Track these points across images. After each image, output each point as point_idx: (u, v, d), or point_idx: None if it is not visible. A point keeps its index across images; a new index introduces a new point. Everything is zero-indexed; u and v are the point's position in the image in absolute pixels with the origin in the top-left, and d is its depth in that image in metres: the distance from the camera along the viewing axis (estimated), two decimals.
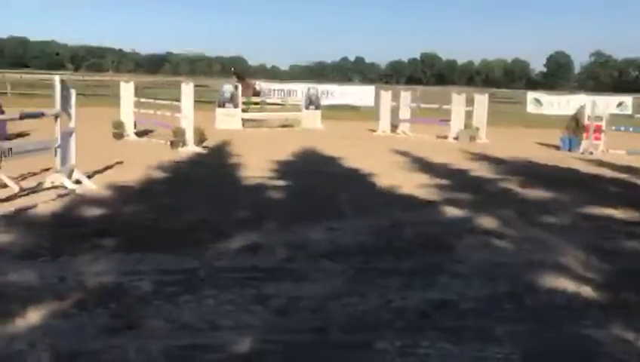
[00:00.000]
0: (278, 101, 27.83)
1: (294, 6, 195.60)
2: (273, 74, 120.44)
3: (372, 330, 3.97)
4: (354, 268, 5.26)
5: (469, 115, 18.83)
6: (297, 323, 4.07)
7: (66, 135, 8.21)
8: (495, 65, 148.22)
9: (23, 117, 8.01)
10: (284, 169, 11.15)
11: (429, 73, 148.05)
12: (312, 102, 21.40)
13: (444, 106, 19.83)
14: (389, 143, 16.54)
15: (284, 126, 20.55)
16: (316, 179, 10.14)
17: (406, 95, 20.38)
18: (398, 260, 5.56)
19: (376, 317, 4.20)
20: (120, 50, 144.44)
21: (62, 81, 8.20)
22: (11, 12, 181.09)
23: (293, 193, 8.87)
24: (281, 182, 9.62)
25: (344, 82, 66.48)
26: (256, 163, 11.42)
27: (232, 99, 19.84)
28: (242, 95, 20.39)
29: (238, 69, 27.23)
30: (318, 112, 21.34)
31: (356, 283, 4.90)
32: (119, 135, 14.95)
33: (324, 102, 23.85)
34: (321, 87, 27.57)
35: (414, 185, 9.64)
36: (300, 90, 27.17)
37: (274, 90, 32.39)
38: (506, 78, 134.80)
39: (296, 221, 6.95)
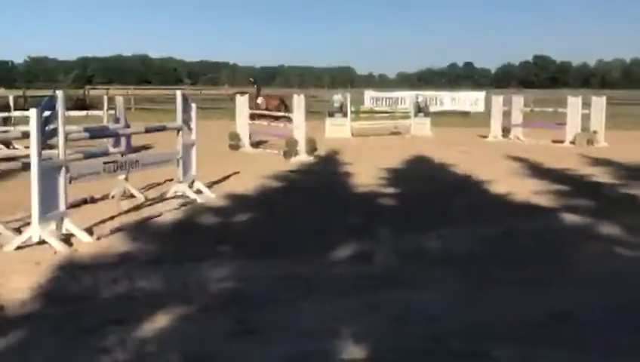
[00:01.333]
0: (387, 109, 27.84)
1: (400, 13, 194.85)
2: (381, 83, 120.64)
3: (488, 339, 3.91)
4: (468, 276, 5.19)
5: (585, 118, 18.02)
6: (413, 330, 4.06)
7: (188, 147, 8.63)
8: (612, 67, 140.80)
9: (148, 131, 8.52)
10: (395, 176, 11.16)
11: (542, 76, 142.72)
12: (420, 110, 21.26)
13: (560, 109, 19.08)
14: (502, 149, 16.12)
15: (393, 134, 20.53)
16: (427, 187, 10.08)
17: (518, 99, 19.83)
18: (513, 268, 5.43)
19: (492, 326, 4.12)
20: (235, 64, 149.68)
21: (183, 96, 8.63)
22: (134, 31, 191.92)
23: (404, 200, 8.86)
24: (391, 190, 9.64)
25: (453, 88, 65.42)
26: (367, 171, 11.48)
27: (342, 109, 20.05)
28: (261, 107, 20.73)
29: (256, 79, 26.70)
30: (427, 119, 21.16)
31: (471, 291, 4.83)
32: (235, 146, 15.49)
33: (433, 109, 23.61)
34: (430, 94, 27.37)
35: (529, 191, 9.36)
36: (408, 97, 27.06)
37: (383, 98, 32.46)
38: (624, 80, 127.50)
39: (408, 228, 6.94)
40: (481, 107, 30.94)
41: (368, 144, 17.76)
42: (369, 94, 33.91)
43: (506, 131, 19.22)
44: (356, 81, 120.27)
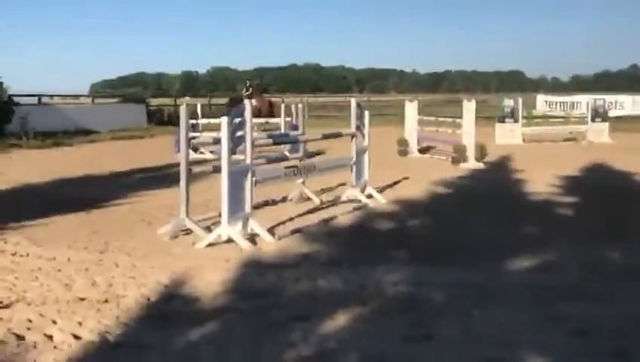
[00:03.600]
0: (561, 114, 26.55)
1: (573, 13, 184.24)
2: (554, 86, 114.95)
3: None
4: None
5: None
6: (596, 345, 3.91)
7: (361, 153, 8.87)
8: None
9: (325, 137, 8.88)
10: (570, 184, 10.66)
11: None
12: (598, 114, 20.07)
13: None
14: None
15: (567, 140, 19.56)
16: (606, 196, 9.53)
17: None
18: None
19: None
20: (401, 70, 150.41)
21: (357, 104, 8.90)
22: (306, 42, 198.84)
23: (582, 209, 8.47)
24: (568, 198, 9.25)
25: (635, 91, 60.69)
26: (540, 178, 11.08)
27: (513, 114, 19.46)
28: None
29: (254, 83, 25.73)
30: (606, 125, 19.95)
31: None
32: (404, 152, 15.62)
33: (612, 113, 22.16)
34: (609, 98, 25.70)
35: None
36: (584, 101, 25.63)
37: (556, 102, 31.02)
38: None
39: (588, 239, 6.66)
40: None
41: (541, 150, 17.09)
42: (542, 98, 32.60)
43: None
44: (526, 85, 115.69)
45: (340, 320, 4.30)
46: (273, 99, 26.21)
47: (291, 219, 7.63)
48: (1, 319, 4.21)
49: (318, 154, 13.88)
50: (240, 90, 26.39)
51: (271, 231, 6.80)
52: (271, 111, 21.86)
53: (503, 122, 19.56)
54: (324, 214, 7.99)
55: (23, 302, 4.58)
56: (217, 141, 6.73)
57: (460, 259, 5.94)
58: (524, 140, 19.16)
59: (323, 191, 9.46)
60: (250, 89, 23.93)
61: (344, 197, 8.77)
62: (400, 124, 16.83)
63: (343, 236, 6.96)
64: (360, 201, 8.59)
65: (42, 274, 5.33)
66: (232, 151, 6.33)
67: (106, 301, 4.62)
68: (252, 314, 4.40)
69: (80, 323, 4.15)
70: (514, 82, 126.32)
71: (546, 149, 17.50)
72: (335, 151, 11.92)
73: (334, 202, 8.74)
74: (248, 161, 6.63)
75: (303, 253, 6.12)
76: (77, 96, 29.15)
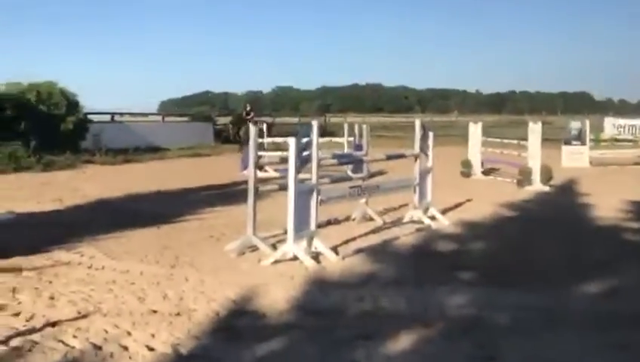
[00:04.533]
0: (630, 137, 25.83)
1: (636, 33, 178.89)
2: (622, 108, 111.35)
3: None
4: None
5: None
6: None
7: (424, 173, 8.90)
8: None
9: (389, 158, 8.95)
10: (639, 210, 10.36)
11: None
12: None
13: None
14: None
15: (636, 164, 18.99)
16: None
17: None
18: None
19: None
20: (464, 91, 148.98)
21: (422, 125, 8.94)
22: (367, 61, 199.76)
23: None
24: (636, 225, 9.01)
25: None
26: (608, 203, 10.82)
27: (580, 137, 19.07)
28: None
29: (252, 104, 26.38)
30: None
31: None
32: (467, 173, 15.51)
33: None
34: None
35: None
36: None
37: (625, 125, 30.16)
38: None
39: None
40: None
41: (608, 174, 16.66)
42: (610, 121, 31.70)
43: None
44: (593, 107, 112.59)
45: (404, 340, 4.35)
46: (269, 120, 26.89)
47: (354, 238, 7.71)
48: (80, 329, 4.43)
49: (380, 174, 13.99)
50: (307, 109, 27.20)
51: (335, 250, 6.91)
52: (269, 130, 22.13)
53: (570, 145, 19.19)
54: (386, 234, 8.04)
55: (99, 313, 4.81)
56: (283, 160, 6.89)
57: (524, 282, 5.90)
58: (591, 163, 18.73)
59: (385, 211, 9.50)
60: (251, 112, 24.88)
61: (407, 218, 8.80)
62: (463, 145, 16.72)
63: (407, 256, 7.00)
64: (422, 223, 8.60)
65: (116, 286, 5.57)
66: (299, 170, 6.47)
67: (178, 314, 4.81)
68: (317, 331, 4.50)
69: (153, 335, 4.34)
70: (580, 104, 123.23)
71: (613, 173, 17.06)
72: (397, 171, 11.96)
73: (397, 223, 8.78)
74: (314, 180, 6.77)
75: (366, 272, 6.20)
76: (146, 115, 30.04)
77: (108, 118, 24.11)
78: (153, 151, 21.73)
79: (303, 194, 6.58)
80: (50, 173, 15.63)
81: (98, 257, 6.68)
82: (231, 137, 25.16)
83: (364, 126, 10.11)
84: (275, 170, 13.13)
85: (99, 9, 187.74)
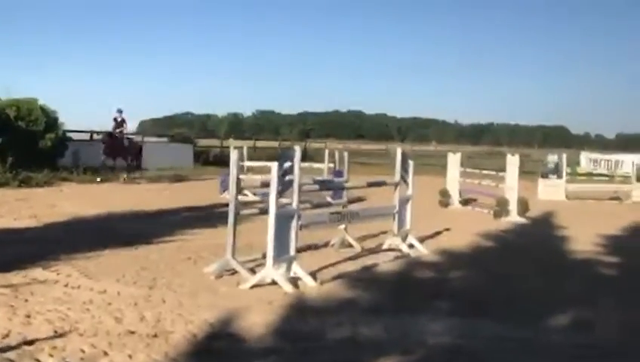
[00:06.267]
0: (606, 172, 26.27)
1: (620, 69, 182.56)
2: (598, 143, 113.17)
3: None
4: None
5: None
6: None
7: (404, 202, 8.96)
8: None
9: (369, 185, 9.01)
10: (614, 244, 10.52)
11: None
12: None
13: None
14: None
15: (611, 199, 19.30)
16: None
17: None
18: None
19: None
20: (443, 121, 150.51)
21: (402, 153, 9.03)
22: (349, 88, 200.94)
23: (625, 271, 8.39)
24: (611, 259, 9.17)
25: None
26: (584, 236, 10.96)
27: (557, 170, 19.36)
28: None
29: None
30: None
31: None
32: (445, 203, 15.63)
33: None
34: None
35: None
36: (629, 160, 25.31)
37: (601, 160, 30.72)
38: None
39: (632, 301, 6.62)
40: None
41: (584, 208, 16.89)
42: (586, 155, 32.29)
43: None
44: (570, 141, 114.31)
45: None
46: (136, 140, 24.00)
47: (333, 264, 7.71)
48: (56, 348, 4.39)
49: (359, 200, 14.05)
50: (288, 134, 26.21)
51: (313, 275, 6.91)
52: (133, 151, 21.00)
53: (547, 178, 19.45)
54: (365, 261, 8.06)
55: (76, 333, 4.76)
56: (265, 184, 6.92)
57: (502, 312, 5.97)
58: (567, 197, 18.98)
59: (364, 238, 9.54)
60: (123, 123, 20.45)
61: (386, 246, 8.84)
62: (440, 174, 16.88)
63: (385, 284, 7.03)
64: (401, 251, 8.64)
65: (93, 306, 5.52)
66: (280, 194, 6.50)
67: (155, 336, 4.78)
68: (296, 356, 4.50)
69: (130, 356, 4.31)
70: (557, 137, 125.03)
71: (589, 207, 17.30)
72: (376, 198, 12.04)
73: (376, 250, 8.81)
74: (295, 205, 6.79)
75: (345, 298, 6.21)
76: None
77: (87, 136, 23.94)
78: (132, 171, 21.56)
79: (284, 219, 6.60)
80: (26, 190, 15.47)
81: (75, 276, 6.62)
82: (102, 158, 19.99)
83: (345, 153, 10.19)
84: (255, 194, 13.15)
85: (79, 25, 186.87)
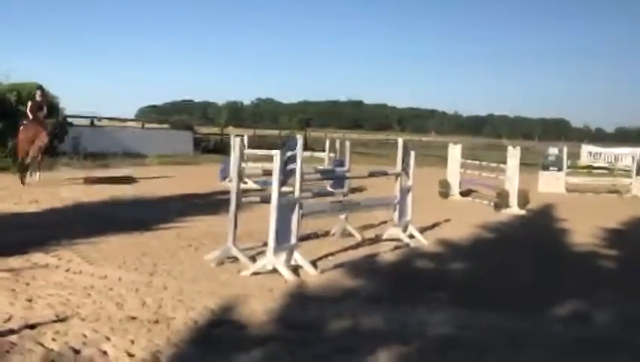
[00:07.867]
0: (606, 165, 26.29)
1: (622, 64, 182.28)
2: (598, 137, 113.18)
3: None
4: None
5: None
6: None
7: (405, 192, 8.97)
8: None
9: (371, 175, 9.02)
10: (613, 237, 10.56)
11: None
12: None
13: None
14: None
15: (611, 192, 19.33)
16: None
17: None
18: None
19: None
20: (443, 112, 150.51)
21: (404, 144, 9.03)
22: (350, 78, 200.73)
23: (625, 263, 8.42)
24: (611, 251, 9.19)
25: None
26: (583, 229, 10.98)
27: (557, 163, 19.37)
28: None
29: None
30: None
31: None
32: (445, 194, 15.65)
33: None
34: None
35: None
36: (629, 154, 25.33)
37: (601, 154, 30.72)
38: None
39: (631, 293, 6.66)
40: None
41: (584, 201, 16.94)
42: (586, 149, 32.32)
43: None
44: (570, 134, 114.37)
45: (382, 357, 4.38)
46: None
47: (333, 253, 7.74)
48: (58, 332, 4.40)
49: (360, 190, 14.06)
50: (287, 123, 25.90)
51: (314, 264, 6.93)
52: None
53: (547, 170, 19.46)
54: (366, 251, 8.09)
55: (78, 318, 4.77)
56: (266, 172, 6.92)
57: (501, 304, 5.99)
58: (567, 190, 19.00)
59: (365, 228, 9.56)
60: (43, 106, 15.51)
61: (386, 236, 8.86)
62: (440, 165, 16.88)
63: (385, 274, 7.05)
64: (401, 241, 8.66)
65: (95, 291, 5.53)
66: (282, 183, 6.51)
67: (157, 322, 4.79)
68: (296, 344, 4.51)
69: (132, 342, 4.32)
70: (557, 130, 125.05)
71: (589, 200, 17.34)
72: (377, 188, 12.04)
73: (376, 240, 8.83)
74: (297, 193, 6.80)
75: (345, 288, 6.23)
76: (124, 120, 29.84)
77: (87, 121, 23.90)
78: (132, 157, 21.57)
79: (285, 208, 6.61)
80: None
81: (76, 261, 6.63)
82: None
83: (347, 142, 10.19)
84: (255, 182, 13.16)
85: (82, 14, 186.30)
